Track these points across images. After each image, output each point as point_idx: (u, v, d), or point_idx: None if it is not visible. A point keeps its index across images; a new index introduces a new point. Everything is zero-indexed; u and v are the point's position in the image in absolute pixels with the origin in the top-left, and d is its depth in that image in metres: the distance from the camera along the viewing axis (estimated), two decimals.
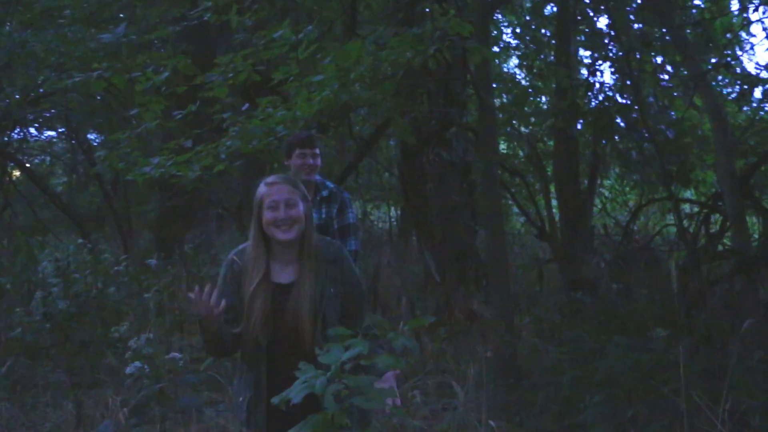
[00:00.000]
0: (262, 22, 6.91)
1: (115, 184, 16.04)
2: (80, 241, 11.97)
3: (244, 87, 8.97)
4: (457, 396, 5.43)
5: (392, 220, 18.96)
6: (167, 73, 6.00)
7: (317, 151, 5.08)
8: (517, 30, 12.83)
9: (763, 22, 9.98)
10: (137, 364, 4.76)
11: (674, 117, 10.41)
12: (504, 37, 14.47)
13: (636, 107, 9.19)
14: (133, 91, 6.24)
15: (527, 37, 12.20)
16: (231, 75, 6.37)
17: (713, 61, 9.70)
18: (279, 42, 6.09)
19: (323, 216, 5.11)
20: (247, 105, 7.50)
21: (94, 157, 13.11)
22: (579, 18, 11.01)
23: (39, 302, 7.08)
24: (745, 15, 10.12)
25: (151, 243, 14.10)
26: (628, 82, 9.19)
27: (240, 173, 10.49)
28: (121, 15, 10.20)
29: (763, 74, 9.65)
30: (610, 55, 9.65)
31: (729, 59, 9.97)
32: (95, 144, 17.64)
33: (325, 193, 5.16)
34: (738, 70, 10.02)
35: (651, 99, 10.45)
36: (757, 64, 11.36)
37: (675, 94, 10.62)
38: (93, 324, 8.09)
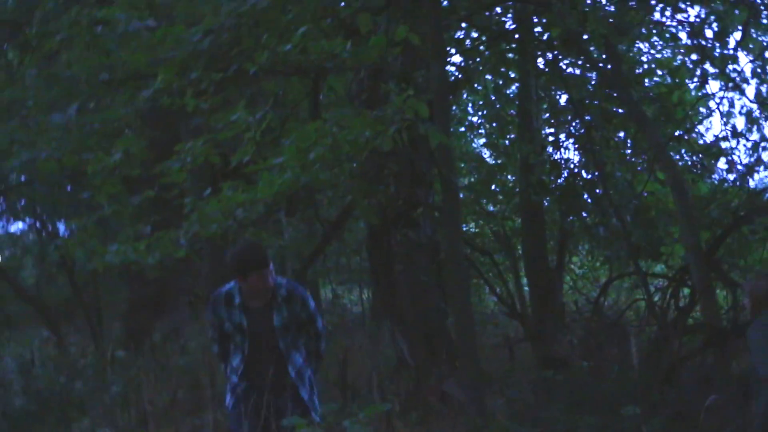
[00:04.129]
0: (220, 105, 6.82)
1: (93, 275, 15.68)
2: (46, 334, 11.71)
3: (210, 172, 8.90)
4: None
5: (365, 303, 18.75)
6: (119, 154, 5.91)
7: (272, 266, 4.95)
8: (481, 110, 12.94)
9: (714, 97, 10.10)
10: None
11: (638, 193, 10.43)
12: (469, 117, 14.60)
13: (600, 181, 9.23)
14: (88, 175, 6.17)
15: (485, 111, 12.32)
16: (189, 160, 6.31)
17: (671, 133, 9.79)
18: (236, 124, 6.05)
19: (285, 315, 5.04)
20: (209, 190, 7.40)
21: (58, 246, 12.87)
22: (541, 95, 11.13)
23: None
24: (702, 92, 10.27)
25: (122, 334, 13.81)
26: (595, 149, 9.23)
27: (207, 260, 10.36)
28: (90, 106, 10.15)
29: (724, 144, 9.74)
30: (572, 131, 9.74)
31: (683, 133, 10.06)
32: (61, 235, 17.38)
33: (283, 292, 5.07)
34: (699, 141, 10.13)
35: (618, 174, 10.48)
36: (714, 136, 11.47)
37: (639, 168, 10.68)
38: (56, 421, 7.83)
